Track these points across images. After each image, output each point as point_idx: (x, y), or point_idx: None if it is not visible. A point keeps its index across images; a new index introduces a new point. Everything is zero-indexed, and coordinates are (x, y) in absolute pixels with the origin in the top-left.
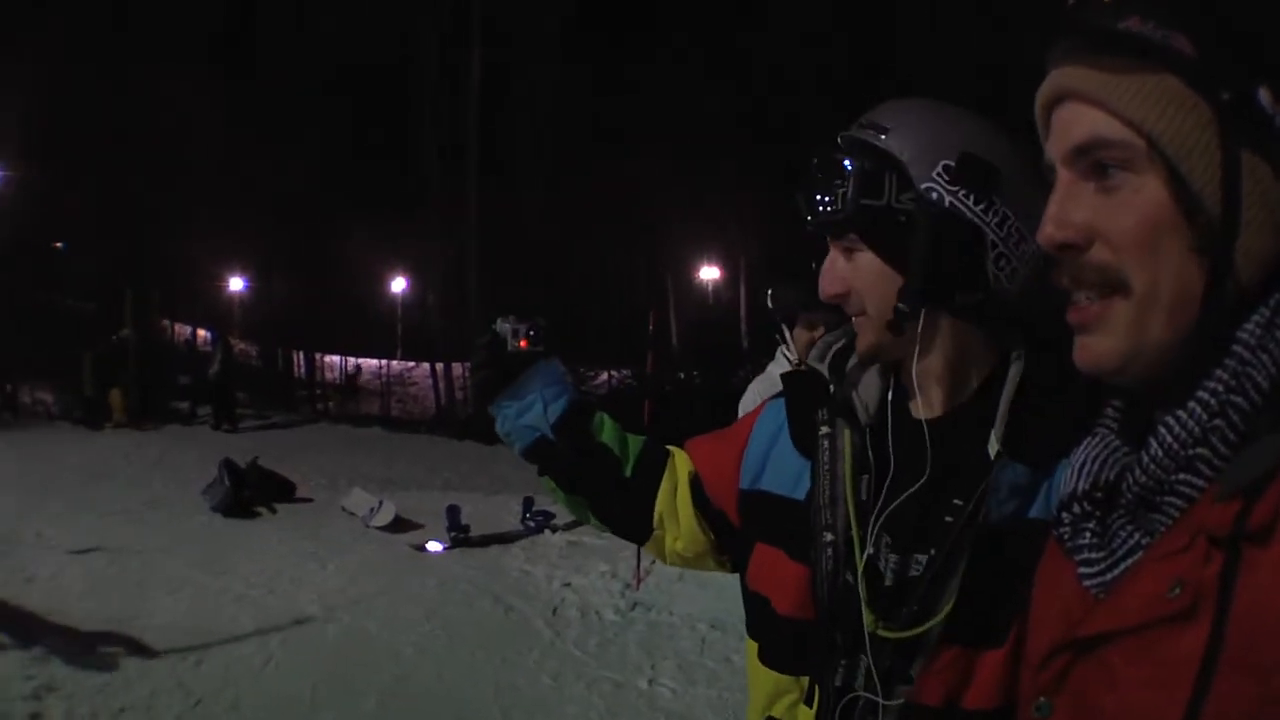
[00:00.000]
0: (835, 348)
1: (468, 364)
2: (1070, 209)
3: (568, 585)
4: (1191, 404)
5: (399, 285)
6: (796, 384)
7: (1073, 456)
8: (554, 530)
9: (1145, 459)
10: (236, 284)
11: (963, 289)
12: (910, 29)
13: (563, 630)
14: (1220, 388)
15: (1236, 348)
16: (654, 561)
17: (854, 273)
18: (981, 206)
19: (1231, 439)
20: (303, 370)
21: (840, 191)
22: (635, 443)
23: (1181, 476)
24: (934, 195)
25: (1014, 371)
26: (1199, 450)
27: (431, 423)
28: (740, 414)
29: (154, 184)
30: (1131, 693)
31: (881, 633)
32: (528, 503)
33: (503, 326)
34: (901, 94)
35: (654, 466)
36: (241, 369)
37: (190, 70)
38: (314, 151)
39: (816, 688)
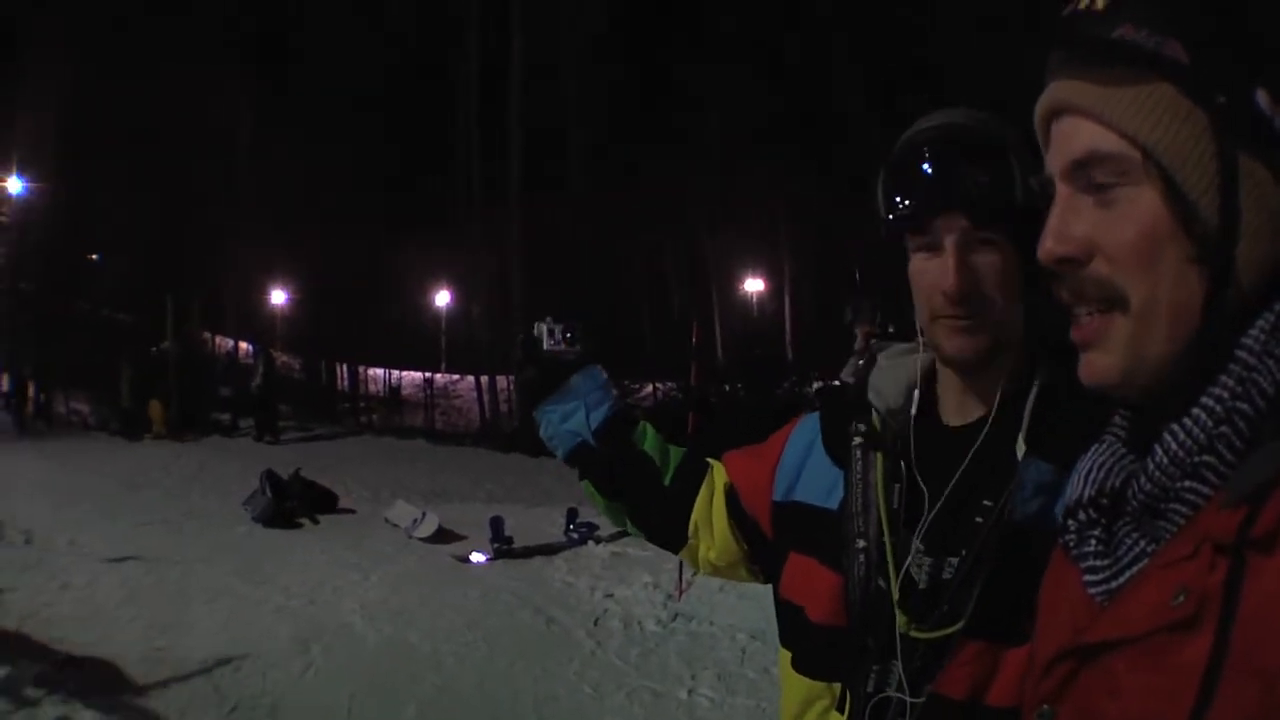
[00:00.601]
0: (884, 355)
1: (513, 376)
2: (1070, 223)
3: (610, 596)
4: (1197, 411)
5: (443, 298)
6: (831, 397)
7: (1078, 464)
8: (598, 542)
9: (1151, 466)
10: (279, 297)
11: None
12: (953, 30)
13: (604, 640)
14: (1225, 395)
15: (1241, 354)
16: (696, 573)
17: (987, 268)
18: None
19: (1237, 445)
20: (346, 383)
21: (999, 178)
22: (676, 453)
23: (1187, 484)
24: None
25: (1041, 374)
26: (1205, 458)
27: (476, 435)
28: None
29: (196, 195)
30: (1135, 701)
31: (914, 634)
32: (571, 514)
33: (540, 327)
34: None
35: (692, 477)
36: (284, 382)
37: (233, 81)
38: (357, 163)
39: (848, 693)
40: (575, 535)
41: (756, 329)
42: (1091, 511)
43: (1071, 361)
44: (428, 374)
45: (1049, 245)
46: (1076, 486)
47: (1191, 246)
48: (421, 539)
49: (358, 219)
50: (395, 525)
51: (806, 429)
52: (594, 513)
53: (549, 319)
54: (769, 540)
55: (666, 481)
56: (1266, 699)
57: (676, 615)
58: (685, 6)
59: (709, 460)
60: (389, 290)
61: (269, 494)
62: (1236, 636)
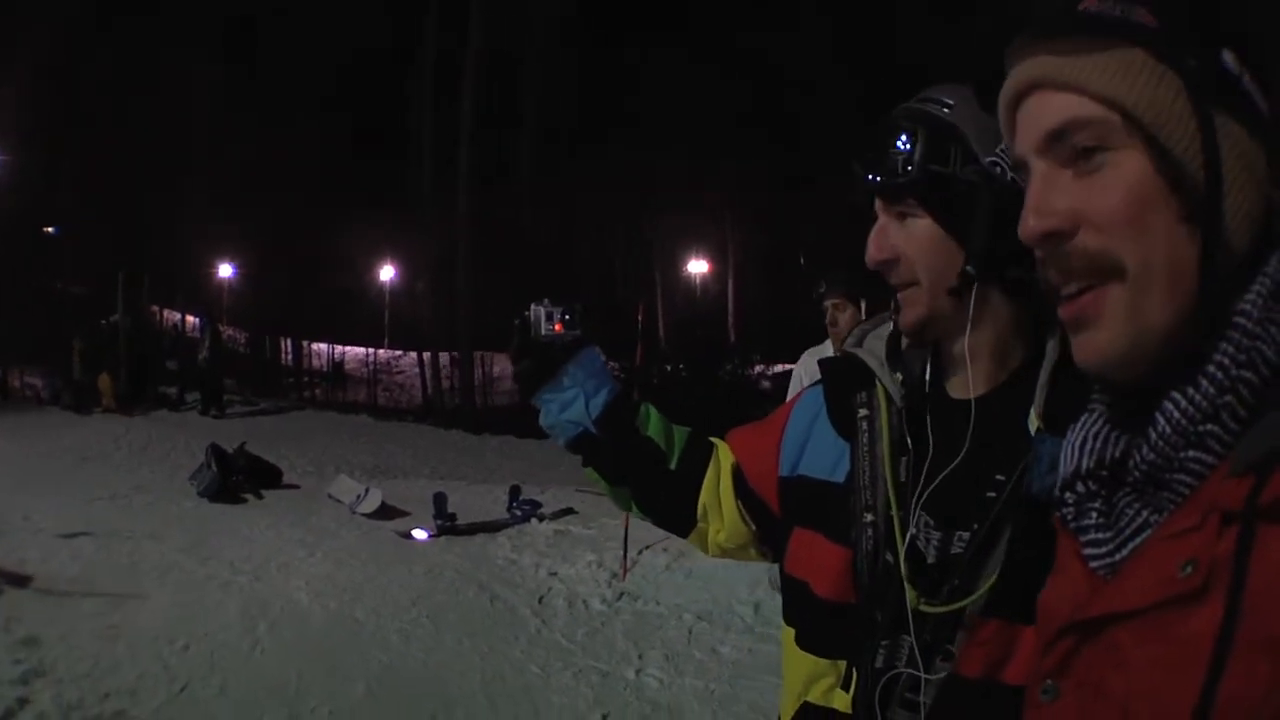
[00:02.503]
0: (872, 332)
1: (454, 353)
2: (1051, 197)
3: (554, 575)
4: (1200, 380)
5: (387, 274)
6: (834, 368)
7: (1069, 434)
8: (540, 519)
9: (1153, 436)
10: (225, 270)
11: (1016, 264)
12: (910, 28)
13: (549, 619)
14: (1228, 362)
15: (1240, 320)
16: (641, 552)
17: (906, 240)
18: None
19: (1242, 414)
20: (290, 358)
21: (905, 156)
22: (680, 435)
23: (1191, 454)
24: (997, 170)
25: (1051, 347)
26: (1209, 426)
27: (418, 411)
28: (793, 378)
29: (146, 170)
30: (1142, 673)
31: (924, 609)
32: (514, 491)
33: (536, 310)
34: (900, 93)
35: (699, 459)
36: (229, 355)
37: (186, 58)
38: (305, 139)
39: (854, 671)
40: (518, 513)
41: (700, 311)
42: (1091, 483)
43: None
44: (370, 350)
45: (1031, 222)
46: (1072, 458)
47: (1181, 205)
48: (365, 515)
49: (305, 193)
50: (339, 501)
51: (810, 402)
52: (537, 490)
53: (546, 301)
54: (777, 518)
55: (672, 466)
56: (1273, 671)
57: (622, 594)
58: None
59: (713, 441)
60: (334, 265)
61: (214, 469)
62: (1247, 607)
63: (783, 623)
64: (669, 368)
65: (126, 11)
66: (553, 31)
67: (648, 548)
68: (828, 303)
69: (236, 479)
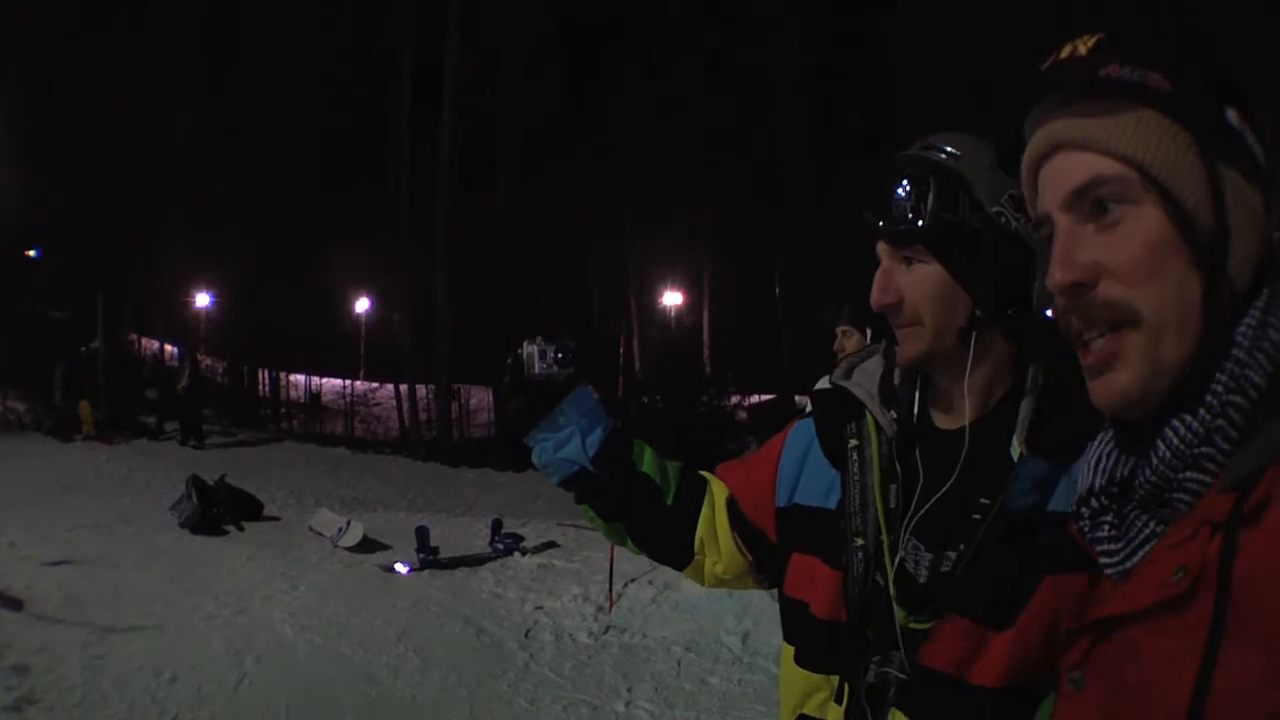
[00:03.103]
0: (859, 366)
1: (431, 386)
2: (1075, 250)
3: (540, 608)
4: (1197, 407)
5: (362, 305)
6: (825, 401)
7: (1087, 453)
8: (523, 553)
9: (1154, 460)
10: (203, 300)
11: (1018, 307)
12: (876, 67)
13: (536, 653)
14: (1221, 389)
15: (1235, 350)
16: (626, 585)
17: (912, 284)
18: (1038, 234)
19: (1233, 436)
20: (267, 388)
21: (917, 204)
22: (674, 470)
23: (1189, 475)
24: (1003, 219)
25: (1033, 378)
26: (1204, 449)
27: (396, 444)
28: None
29: (124, 196)
30: (1153, 665)
31: (913, 625)
32: (496, 525)
33: (529, 349)
34: (878, 122)
35: (694, 494)
36: (208, 385)
37: (164, 84)
38: (283, 169)
39: (846, 685)
40: (501, 546)
41: (675, 342)
42: (1103, 499)
43: (1060, 367)
44: (347, 381)
45: (1058, 274)
46: (1087, 476)
47: (1192, 252)
48: (347, 548)
49: (282, 223)
50: (320, 534)
51: (801, 434)
52: (518, 524)
53: (540, 339)
54: (775, 546)
55: (669, 501)
56: (1270, 661)
57: (608, 628)
58: (620, 21)
59: (705, 475)
60: (311, 296)
61: (195, 500)
62: (1234, 605)
63: (783, 641)
64: (645, 399)
65: (106, 34)
66: (527, 58)
67: (633, 581)
68: (837, 329)
69: (217, 510)
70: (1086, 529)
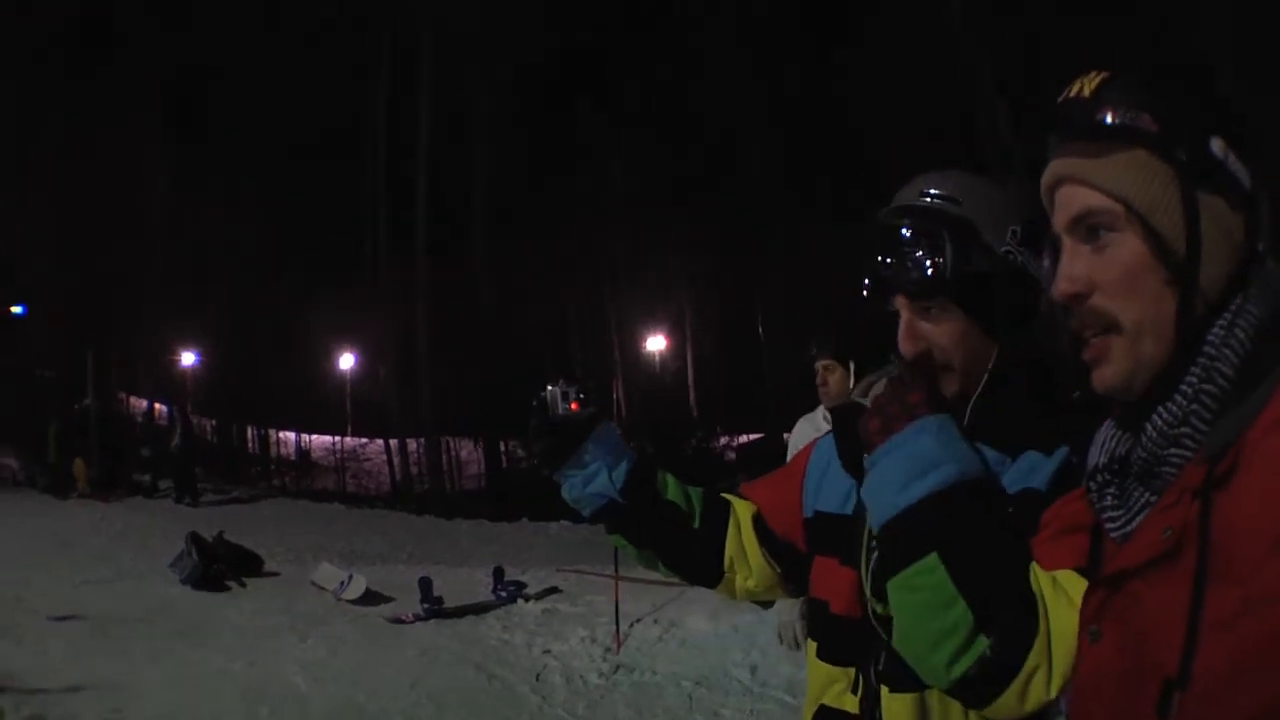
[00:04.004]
0: (875, 384)
1: (421, 439)
2: (1074, 267)
3: (548, 652)
4: (1175, 395)
5: (347, 361)
6: (844, 416)
7: (1096, 436)
8: (527, 600)
9: (1144, 439)
10: (189, 358)
11: (1025, 332)
12: (858, 98)
13: (549, 695)
14: (1195, 380)
15: (1206, 348)
16: (632, 625)
17: (937, 333)
18: (1039, 264)
19: (1207, 417)
20: (256, 445)
21: (933, 257)
22: (697, 495)
23: (1173, 451)
24: (1011, 257)
25: (990, 381)
26: (1183, 429)
27: (388, 498)
28: (790, 443)
29: (109, 255)
30: (1152, 610)
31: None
32: (498, 573)
33: (552, 391)
34: (854, 161)
35: (719, 516)
36: (199, 443)
37: (145, 145)
38: (264, 226)
39: (860, 676)
40: (504, 594)
41: (660, 386)
42: (1106, 474)
43: (1020, 370)
44: (337, 437)
45: (1061, 285)
46: (1094, 455)
47: (1166, 272)
48: (350, 601)
49: (265, 281)
50: (322, 588)
51: (823, 450)
52: (518, 571)
53: (561, 382)
54: (803, 555)
55: (696, 525)
56: (1245, 593)
57: (618, 667)
58: (592, 70)
59: (726, 497)
60: (297, 352)
61: (195, 556)
62: (1212, 554)
63: (809, 638)
64: (633, 444)
65: (84, 95)
66: (505, 107)
67: (639, 621)
68: (819, 364)
69: (218, 567)
70: (1095, 499)
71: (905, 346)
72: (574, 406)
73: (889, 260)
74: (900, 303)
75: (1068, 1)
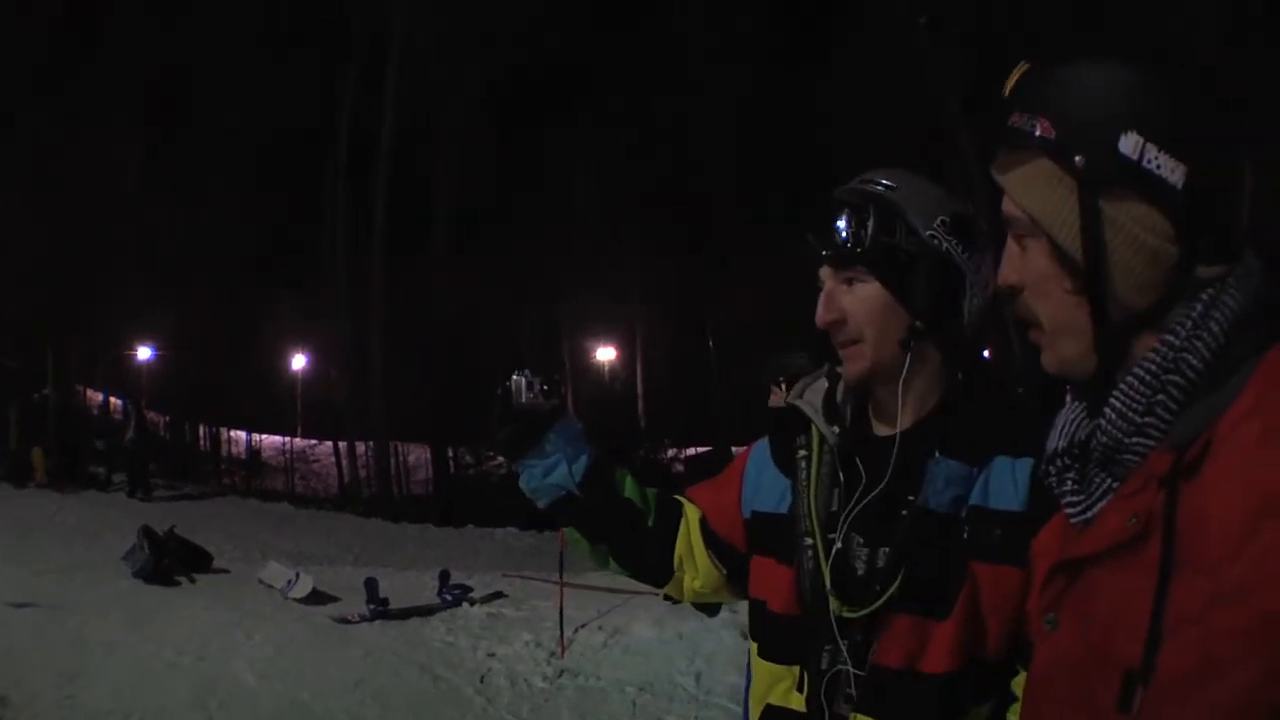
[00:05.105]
0: (810, 386)
1: (370, 443)
2: (1010, 263)
3: (493, 655)
4: (1129, 380)
5: (299, 363)
6: (779, 418)
7: (1055, 421)
8: (472, 603)
9: (1103, 424)
10: (144, 353)
11: (950, 320)
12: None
13: (493, 697)
14: (1154, 368)
15: (1169, 337)
16: (577, 630)
17: (853, 302)
18: (966, 255)
19: (1173, 408)
20: (207, 443)
21: (857, 230)
22: (652, 495)
23: (1136, 440)
24: (935, 241)
25: (953, 394)
26: (1148, 419)
27: (336, 500)
28: None
29: (66, 246)
30: (1113, 598)
31: (845, 615)
32: (444, 576)
33: (517, 380)
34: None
35: (671, 516)
36: (153, 439)
37: (114, 140)
38: (224, 223)
39: (805, 673)
40: (449, 597)
41: (609, 396)
42: (1066, 459)
43: (980, 378)
44: (287, 438)
45: (999, 279)
46: (1053, 439)
47: (1070, 281)
48: (297, 600)
49: (221, 277)
50: (270, 586)
51: (760, 452)
52: (464, 575)
53: (526, 371)
54: (743, 556)
55: (650, 523)
56: (1211, 585)
57: (562, 672)
58: (559, 82)
59: (679, 498)
60: (250, 351)
61: (147, 550)
62: (1178, 542)
63: (749, 638)
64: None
65: (54, 87)
66: (464, 115)
67: (583, 626)
68: (772, 386)
69: (168, 561)
70: (1054, 484)
71: (821, 314)
72: (538, 396)
73: (818, 231)
74: (825, 273)
75: (1039, 33)
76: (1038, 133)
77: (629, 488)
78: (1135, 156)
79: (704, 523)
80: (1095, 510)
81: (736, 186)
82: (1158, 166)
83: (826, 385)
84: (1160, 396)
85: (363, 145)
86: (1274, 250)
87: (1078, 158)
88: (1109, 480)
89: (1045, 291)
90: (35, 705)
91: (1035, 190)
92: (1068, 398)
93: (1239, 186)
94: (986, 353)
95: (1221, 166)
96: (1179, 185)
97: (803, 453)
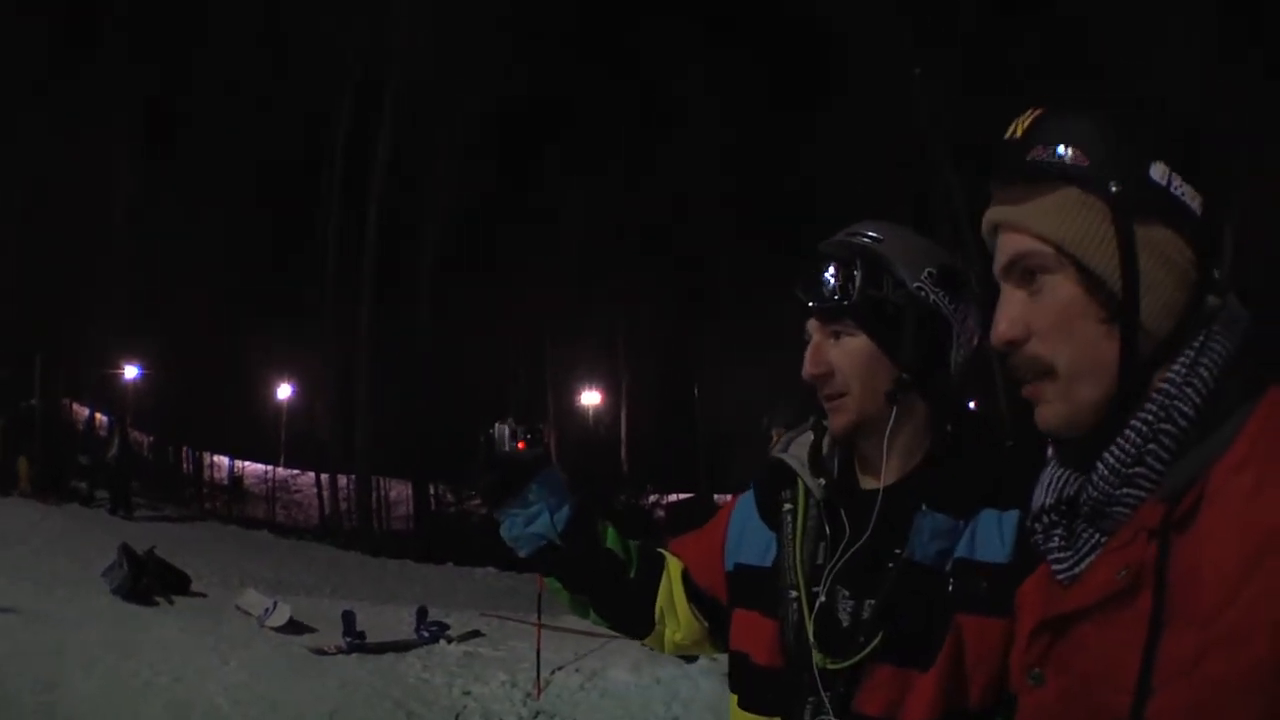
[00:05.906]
0: (796, 440)
1: (352, 476)
2: (1010, 312)
3: (468, 694)
4: (1124, 436)
5: (285, 392)
6: (763, 472)
7: (1040, 477)
8: (449, 641)
9: (1095, 478)
10: (132, 371)
11: (937, 371)
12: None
13: None
14: (1151, 418)
15: (1164, 385)
16: (554, 672)
17: (840, 355)
18: (953, 307)
19: (1165, 458)
20: (190, 467)
21: (844, 283)
22: (634, 547)
23: (1126, 491)
24: (922, 294)
25: (939, 448)
26: (1138, 469)
27: (317, 531)
28: None
29: (67, 261)
30: (1101, 654)
31: (830, 666)
32: (421, 613)
33: (500, 429)
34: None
35: (653, 568)
36: (136, 458)
37: (113, 158)
38: (218, 250)
39: None
40: (426, 634)
41: (593, 440)
42: (1053, 515)
43: (967, 430)
44: (269, 466)
45: (998, 329)
46: (1039, 495)
47: (1102, 311)
48: (274, 628)
49: (211, 303)
50: (247, 613)
51: (745, 505)
52: (442, 613)
53: (510, 420)
54: (725, 609)
55: (631, 575)
56: (1202, 637)
57: (538, 713)
58: (551, 123)
59: (661, 551)
60: (236, 378)
61: (126, 568)
62: (1170, 596)
63: (729, 690)
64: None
65: (52, 101)
66: (457, 154)
67: (560, 669)
68: (773, 431)
69: (146, 580)
70: (1041, 541)
71: (807, 367)
72: (521, 445)
73: (806, 283)
74: (812, 326)
75: (1031, 83)
76: (1069, 160)
77: (611, 539)
78: (1164, 183)
79: (686, 575)
80: (1083, 566)
81: (724, 234)
82: (1182, 194)
83: (813, 438)
84: (1151, 446)
85: (354, 180)
86: (1267, 277)
87: (1113, 185)
88: (1097, 535)
89: (1068, 329)
90: (12, 710)
91: (1063, 217)
92: (1050, 454)
93: (1236, 219)
94: (972, 404)
95: (1228, 198)
96: (1199, 213)
97: (788, 506)
